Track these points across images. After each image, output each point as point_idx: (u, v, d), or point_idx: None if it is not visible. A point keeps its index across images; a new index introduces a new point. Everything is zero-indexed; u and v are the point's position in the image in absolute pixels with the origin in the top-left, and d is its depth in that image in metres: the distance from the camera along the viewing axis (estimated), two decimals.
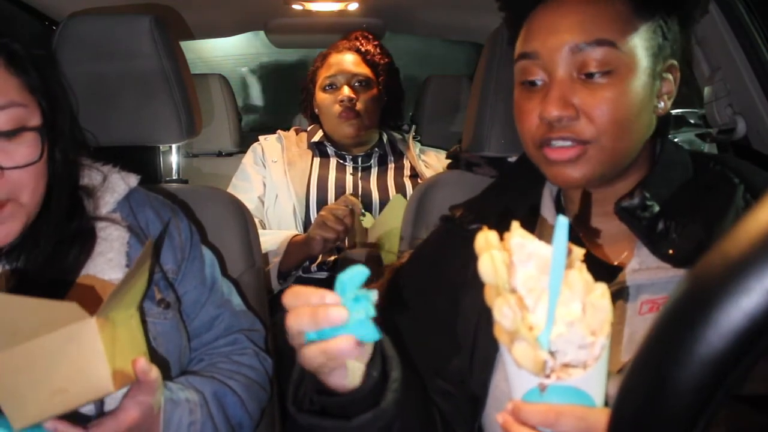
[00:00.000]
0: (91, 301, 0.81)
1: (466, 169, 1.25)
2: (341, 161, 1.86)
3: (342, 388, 0.63)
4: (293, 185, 1.76)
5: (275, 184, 1.78)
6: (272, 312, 1.30)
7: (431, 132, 2.16)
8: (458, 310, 0.85)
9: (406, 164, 1.89)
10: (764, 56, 1.15)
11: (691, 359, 0.30)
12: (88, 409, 0.80)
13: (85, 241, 0.88)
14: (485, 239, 0.55)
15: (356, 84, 1.81)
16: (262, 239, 1.35)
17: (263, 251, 1.44)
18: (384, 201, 1.76)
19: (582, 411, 0.53)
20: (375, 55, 1.86)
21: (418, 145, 1.98)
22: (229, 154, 2.35)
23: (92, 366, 0.70)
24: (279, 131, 1.94)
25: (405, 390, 0.68)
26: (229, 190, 1.76)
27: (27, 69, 0.83)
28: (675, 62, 0.78)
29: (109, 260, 0.88)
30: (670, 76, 0.78)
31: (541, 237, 0.56)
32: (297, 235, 1.63)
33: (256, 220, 1.44)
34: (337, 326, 0.57)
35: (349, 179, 1.81)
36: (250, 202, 1.75)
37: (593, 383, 0.54)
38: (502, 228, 0.57)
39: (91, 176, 0.95)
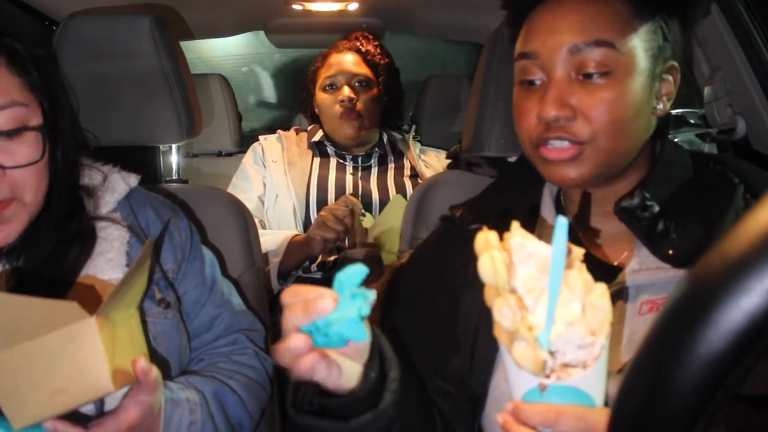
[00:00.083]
0: (91, 301, 0.81)
1: (466, 169, 1.25)
2: (341, 161, 1.86)
3: (340, 390, 0.63)
4: (293, 185, 1.76)
5: (275, 184, 1.78)
6: (272, 312, 1.30)
7: (431, 132, 2.16)
8: (458, 310, 0.85)
9: (406, 164, 1.89)
10: (764, 56, 1.15)
11: (691, 359, 0.30)
12: (88, 409, 0.80)
13: (85, 241, 0.89)
14: (485, 239, 0.55)
15: (356, 84, 1.81)
16: (262, 239, 1.35)
17: (263, 251, 1.44)
18: (384, 201, 1.76)
19: (582, 411, 0.53)
20: (375, 56, 1.86)
21: (418, 145, 1.98)
22: (229, 154, 2.35)
23: (92, 366, 0.70)
24: (279, 131, 1.94)
25: (404, 390, 0.68)
26: (229, 189, 1.76)
27: (28, 69, 0.83)
28: (675, 63, 0.78)
29: (109, 260, 0.88)
30: (670, 78, 0.78)
31: (540, 237, 0.56)
32: (297, 235, 1.63)
33: (256, 220, 1.44)
34: (329, 320, 0.57)
35: (349, 179, 1.81)
36: (250, 202, 1.75)
37: (593, 383, 0.54)
38: (501, 228, 0.57)
39: (92, 176, 0.95)
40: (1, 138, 0.79)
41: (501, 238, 0.56)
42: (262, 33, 2.29)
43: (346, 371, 0.62)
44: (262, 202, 1.80)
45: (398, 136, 1.98)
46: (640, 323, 0.74)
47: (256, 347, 1.05)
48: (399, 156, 1.91)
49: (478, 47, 2.38)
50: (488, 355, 0.79)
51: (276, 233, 1.65)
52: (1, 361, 0.70)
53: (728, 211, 0.74)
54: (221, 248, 1.19)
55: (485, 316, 0.79)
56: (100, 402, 0.81)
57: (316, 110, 1.90)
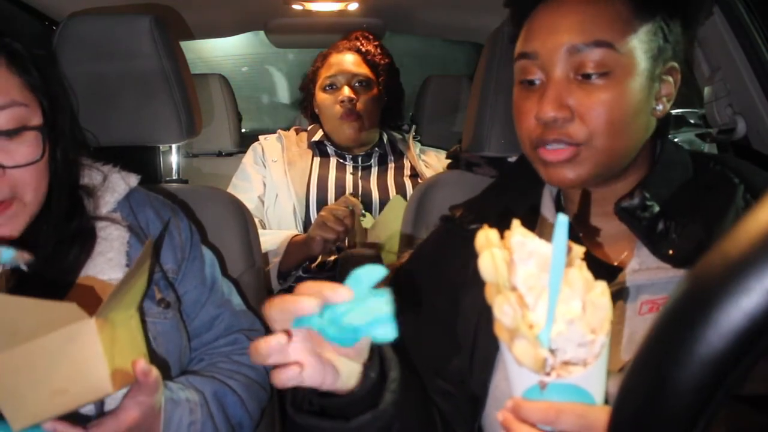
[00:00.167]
0: (91, 302, 0.81)
1: (466, 169, 1.25)
2: (341, 161, 1.86)
3: (339, 390, 0.63)
4: (293, 185, 1.76)
5: (275, 184, 1.78)
6: None
7: (431, 132, 2.16)
8: (458, 310, 0.85)
9: (406, 164, 1.89)
10: (764, 56, 1.15)
11: (691, 359, 0.30)
12: (88, 409, 0.80)
13: (85, 241, 0.89)
14: (486, 237, 0.55)
15: (356, 84, 1.81)
16: (262, 239, 1.35)
17: (263, 251, 1.44)
18: (384, 200, 1.76)
19: (582, 408, 0.53)
20: (375, 56, 1.86)
21: (419, 145, 1.99)
22: (229, 154, 2.35)
23: (91, 367, 0.70)
24: (279, 131, 1.94)
25: (404, 390, 0.68)
26: (229, 189, 1.76)
27: (28, 69, 0.83)
28: (676, 64, 0.78)
29: (109, 260, 0.88)
30: (670, 78, 0.78)
31: (541, 236, 0.56)
32: (297, 235, 1.63)
33: (256, 220, 1.44)
34: (344, 311, 0.55)
35: (349, 179, 1.81)
36: (250, 202, 1.75)
37: (593, 381, 0.54)
38: (502, 228, 0.57)
39: (92, 176, 0.95)
40: (1, 138, 0.79)
41: (501, 237, 0.56)
42: (262, 33, 2.29)
43: (344, 372, 0.62)
44: (262, 202, 1.80)
45: (398, 136, 1.98)
46: (640, 323, 0.74)
47: None
48: (399, 156, 1.91)
49: (478, 47, 2.38)
50: (488, 354, 0.79)
51: (276, 233, 1.65)
52: (0, 362, 0.70)
53: (728, 211, 0.74)
54: (221, 248, 1.19)
55: (485, 315, 0.79)
56: (100, 402, 0.81)
57: (316, 110, 1.90)
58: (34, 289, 0.72)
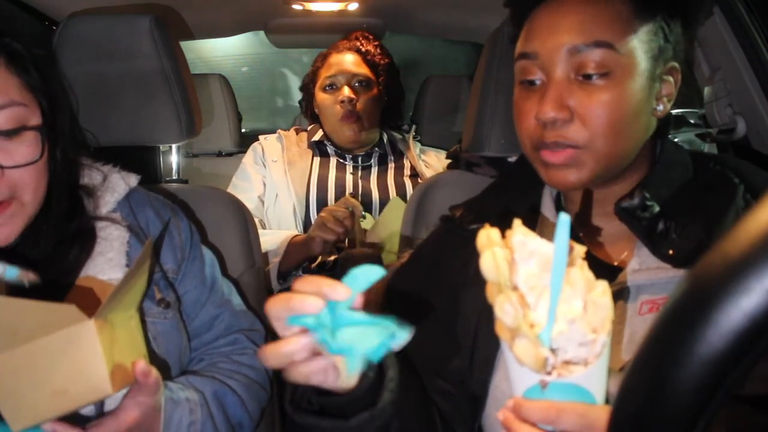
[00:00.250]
0: (91, 302, 0.81)
1: (466, 169, 1.25)
2: (341, 160, 1.86)
3: (339, 389, 0.63)
4: (293, 185, 1.76)
5: (275, 184, 1.78)
6: None
7: (431, 132, 2.16)
8: (458, 310, 0.85)
9: (407, 164, 1.89)
10: (764, 56, 1.15)
11: (691, 359, 0.30)
12: (88, 410, 0.80)
13: (85, 241, 0.89)
14: (487, 236, 0.55)
15: (356, 84, 1.81)
16: (262, 239, 1.35)
17: (263, 251, 1.44)
18: (384, 200, 1.76)
19: (583, 408, 0.53)
20: (375, 56, 1.86)
21: (419, 145, 1.98)
22: (229, 154, 2.35)
23: (91, 368, 0.70)
24: (279, 131, 1.94)
25: (403, 390, 0.68)
26: (229, 189, 1.76)
27: (27, 68, 0.83)
28: (676, 64, 0.78)
29: (109, 260, 0.88)
30: (670, 79, 0.78)
31: (541, 236, 0.56)
32: (297, 235, 1.63)
33: (256, 220, 1.44)
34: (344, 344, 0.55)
35: (349, 178, 1.81)
36: (250, 202, 1.75)
37: (594, 380, 0.54)
38: (502, 228, 0.57)
39: (91, 176, 0.95)
40: (0, 138, 0.79)
41: (503, 236, 0.56)
42: (262, 33, 2.29)
43: (344, 371, 0.62)
44: (262, 202, 1.80)
45: (398, 136, 1.98)
46: (640, 323, 0.74)
47: (256, 347, 1.05)
48: (399, 156, 1.91)
49: (478, 47, 2.38)
50: (488, 355, 0.79)
51: (276, 233, 1.65)
52: (0, 363, 0.70)
53: (728, 211, 0.74)
54: (221, 248, 1.19)
55: (485, 315, 0.79)
56: (100, 403, 0.81)
57: (316, 110, 1.90)
58: (34, 289, 0.72)
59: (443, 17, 2.09)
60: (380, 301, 0.91)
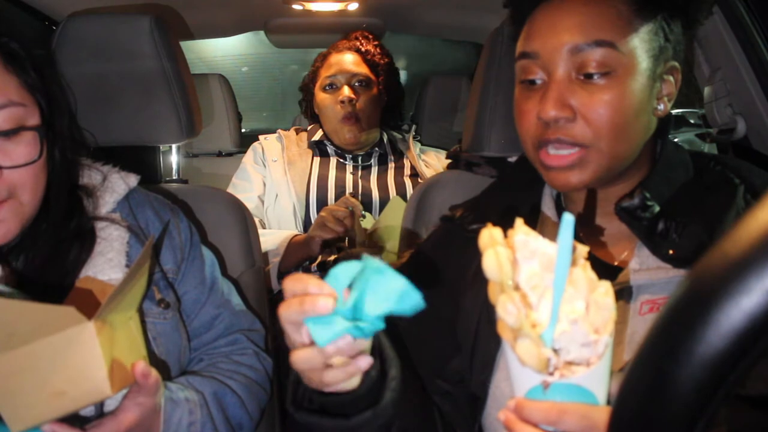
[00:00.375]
0: (91, 302, 0.81)
1: (466, 169, 1.25)
2: (341, 160, 1.86)
3: (341, 388, 0.63)
4: (293, 185, 1.76)
5: (275, 184, 1.78)
6: (272, 312, 1.30)
7: (431, 132, 2.16)
8: (458, 310, 0.85)
9: (407, 164, 1.89)
10: (764, 56, 1.15)
11: (691, 359, 0.30)
12: (88, 411, 0.80)
13: (84, 241, 0.88)
14: (490, 235, 0.55)
15: (356, 84, 1.81)
16: (262, 239, 1.35)
17: (263, 251, 1.44)
18: (384, 200, 1.76)
19: (585, 409, 0.53)
20: (375, 55, 1.86)
21: (419, 144, 1.98)
22: (229, 154, 2.35)
23: (90, 369, 0.70)
24: (279, 130, 1.94)
25: (404, 390, 0.68)
26: (229, 189, 1.76)
27: (26, 68, 0.83)
28: (676, 64, 0.78)
29: (109, 260, 0.88)
30: (671, 78, 0.78)
31: (542, 235, 0.56)
32: (297, 235, 1.63)
33: (256, 220, 1.44)
34: (375, 315, 0.55)
35: (349, 178, 1.81)
36: (250, 202, 1.75)
37: (596, 381, 0.53)
38: (502, 228, 0.56)
39: (91, 176, 0.95)
40: None
41: (505, 236, 0.56)
42: (262, 33, 2.29)
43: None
44: (262, 202, 1.80)
45: (398, 135, 1.98)
46: (640, 323, 0.74)
47: (255, 347, 1.05)
48: (399, 155, 1.91)
49: (478, 47, 2.38)
50: (489, 355, 0.79)
51: (276, 233, 1.65)
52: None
53: (729, 211, 0.74)
54: (221, 248, 1.19)
55: (486, 316, 0.79)
56: (100, 404, 0.81)
57: (316, 110, 1.90)
58: (34, 290, 0.72)
59: (443, 17, 2.09)
60: None
